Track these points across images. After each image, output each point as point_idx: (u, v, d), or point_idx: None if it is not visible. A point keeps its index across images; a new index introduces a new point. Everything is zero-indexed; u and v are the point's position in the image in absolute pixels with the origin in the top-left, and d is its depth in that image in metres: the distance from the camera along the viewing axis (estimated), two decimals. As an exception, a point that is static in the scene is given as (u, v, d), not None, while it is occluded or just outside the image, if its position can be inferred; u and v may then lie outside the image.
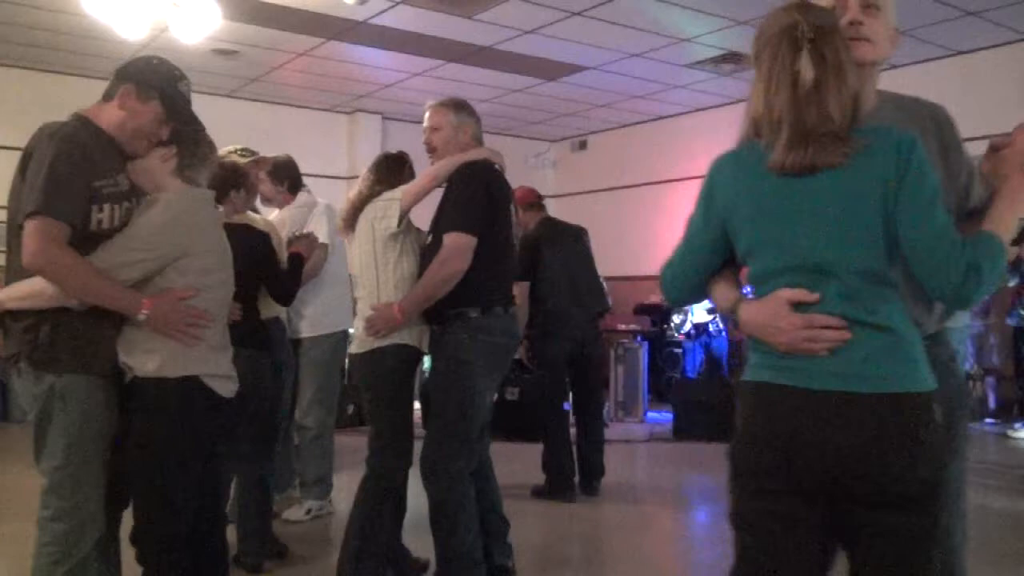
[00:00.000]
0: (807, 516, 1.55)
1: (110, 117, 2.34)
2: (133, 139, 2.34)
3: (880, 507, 1.50)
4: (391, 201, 3.04)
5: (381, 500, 3.03)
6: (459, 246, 2.84)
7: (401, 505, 3.18)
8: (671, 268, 1.81)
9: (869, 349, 1.51)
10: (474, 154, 3.03)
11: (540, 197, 5.16)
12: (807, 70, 1.54)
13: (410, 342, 3.02)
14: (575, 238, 5.09)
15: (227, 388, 2.36)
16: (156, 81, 2.35)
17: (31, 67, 7.72)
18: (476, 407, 2.92)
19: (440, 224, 2.94)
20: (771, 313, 1.58)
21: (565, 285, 4.81)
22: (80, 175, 2.21)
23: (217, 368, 2.34)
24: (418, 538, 3.31)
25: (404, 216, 3.03)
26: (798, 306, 1.55)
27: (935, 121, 1.79)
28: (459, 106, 3.11)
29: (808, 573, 1.58)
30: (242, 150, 3.56)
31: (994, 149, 1.72)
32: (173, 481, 2.28)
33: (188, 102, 2.43)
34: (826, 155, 1.53)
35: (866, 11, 1.75)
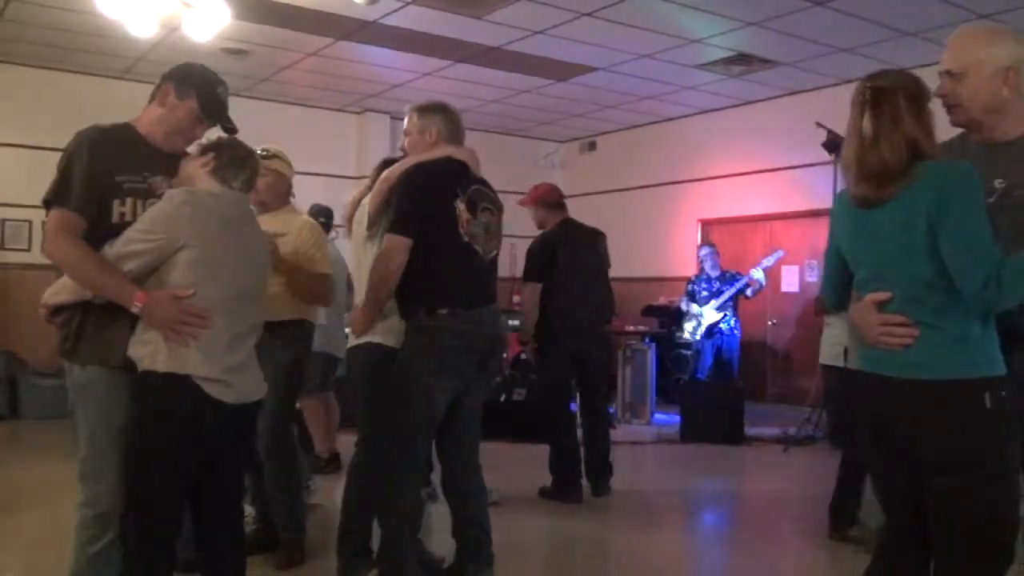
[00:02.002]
0: (895, 472, 2.04)
1: (150, 116, 2.49)
2: (170, 135, 2.47)
3: (935, 469, 1.91)
4: (365, 207, 3.14)
5: (362, 489, 3.12)
6: (389, 248, 2.90)
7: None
8: (823, 281, 2.29)
9: (927, 344, 1.92)
10: (435, 153, 3.04)
11: (562, 197, 5.08)
12: (867, 126, 1.97)
13: (382, 341, 3.09)
14: (593, 242, 5.04)
15: (225, 393, 2.30)
16: (194, 81, 2.48)
17: (44, 66, 7.73)
18: (414, 407, 2.90)
19: None
20: (861, 313, 2.04)
21: (576, 290, 4.78)
22: (96, 168, 2.31)
23: (211, 370, 2.28)
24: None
25: (373, 221, 3.07)
26: (883, 308, 1.99)
27: None
28: (424, 108, 3.15)
29: (903, 514, 2.05)
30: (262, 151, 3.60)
31: None
32: (147, 474, 2.27)
33: (224, 104, 2.53)
34: (881, 191, 1.95)
35: (951, 80, 2.14)
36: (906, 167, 1.92)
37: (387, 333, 3.09)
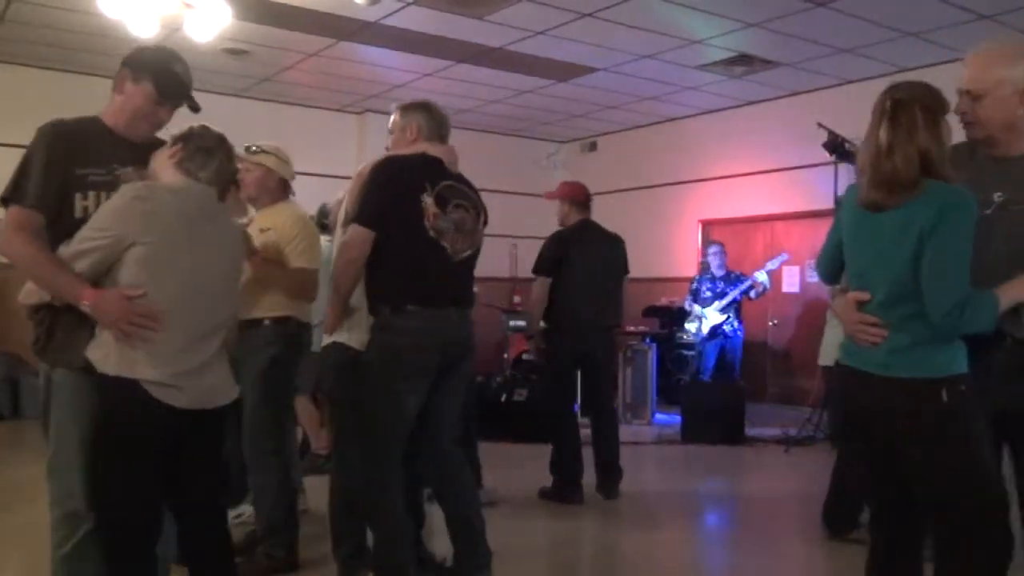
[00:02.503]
0: (871, 451, 2.24)
1: (112, 106, 2.42)
2: (132, 122, 2.41)
3: (905, 456, 2.12)
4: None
5: (344, 491, 3.09)
6: (352, 236, 2.87)
7: (418, 512, 3.24)
8: (819, 257, 2.40)
9: (895, 345, 2.09)
10: (409, 149, 3.04)
11: (588, 197, 5.08)
12: (883, 135, 2.07)
13: (347, 341, 3.04)
14: (610, 246, 5.03)
15: (177, 397, 2.19)
16: (148, 63, 2.40)
17: (45, 66, 7.76)
18: (379, 408, 2.87)
19: None
20: (843, 307, 2.21)
21: (584, 289, 4.78)
22: (54, 162, 2.27)
23: (160, 374, 2.17)
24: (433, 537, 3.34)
25: (350, 217, 3.01)
26: (862, 307, 2.15)
27: None
28: (406, 106, 3.16)
29: (882, 490, 2.25)
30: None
31: None
32: (105, 477, 2.21)
33: (182, 83, 2.44)
34: (890, 198, 2.06)
35: (970, 99, 2.22)
36: (916, 179, 2.02)
37: (351, 333, 3.05)
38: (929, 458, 2.08)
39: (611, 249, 5.03)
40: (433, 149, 3.04)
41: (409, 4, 6.05)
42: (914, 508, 2.20)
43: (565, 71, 7.70)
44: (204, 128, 2.38)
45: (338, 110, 9.36)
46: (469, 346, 3.08)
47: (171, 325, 2.20)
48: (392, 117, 3.18)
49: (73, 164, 2.30)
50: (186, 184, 2.30)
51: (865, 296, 2.14)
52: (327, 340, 3.12)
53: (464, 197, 3.02)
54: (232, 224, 2.50)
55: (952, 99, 2.20)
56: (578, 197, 5.01)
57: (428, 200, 2.89)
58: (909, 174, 2.03)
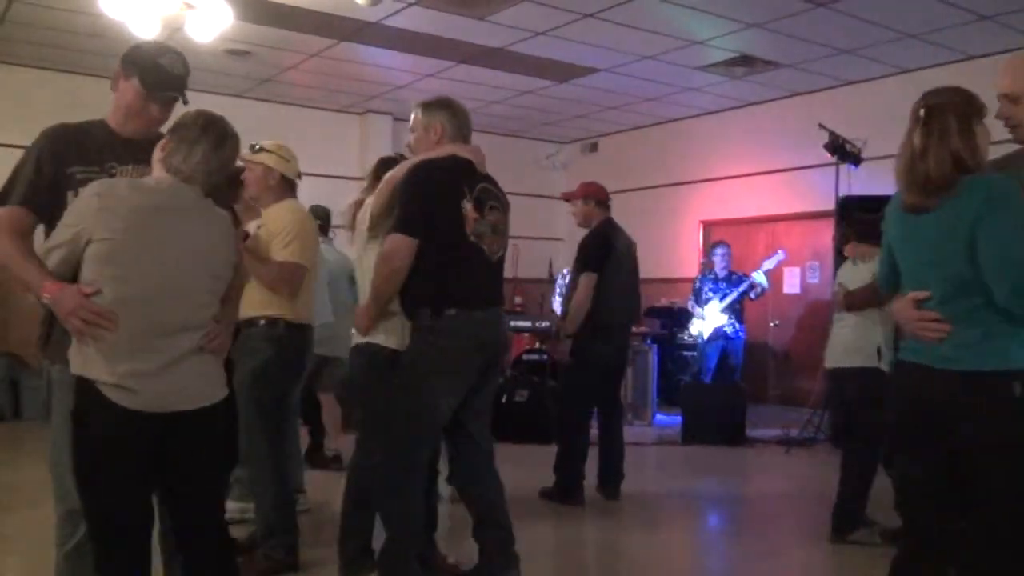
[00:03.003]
0: (930, 449, 2.19)
1: (112, 105, 2.44)
2: (128, 119, 2.42)
3: (971, 453, 2.09)
4: (368, 208, 3.13)
5: (362, 490, 3.11)
6: (394, 246, 2.87)
7: (431, 515, 3.25)
8: (879, 269, 2.48)
9: (960, 340, 2.10)
10: (438, 152, 3.01)
11: (608, 196, 5.08)
12: (917, 140, 2.13)
13: (383, 342, 3.07)
14: (631, 248, 5.10)
15: (131, 399, 2.09)
16: (137, 58, 2.41)
17: (47, 67, 7.77)
18: (417, 409, 2.89)
19: None
20: (902, 308, 2.25)
21: (619, 290, 4.80)
22: (46, 162, 2.31)
23: (111, 375, 2.08)
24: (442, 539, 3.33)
25: (376, 222, 3.04)
26: (921, 305, 2.18)
27: None
28: (428, 105, 3.11)
29: (929, 492, 2.22)
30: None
31: None
32: (84, 475, 2.17)
33: (169, 75, 2.40)
34: (927, 200, 2.13)
35: (1009, 103, 2.27)
36: (950, 180, 2.08)
37: (389, 334, 3.08)
38: (997, 452, 2.07)
39: (632, 249, 5.08)
40: (461, 150, 3.03)
41: (410, 5, 6.06)
42: (955, 509, 2.17)
43: (566, 72, 7.71)
44: (192, 116, 2.27)
45: (339, 111, 9.36)
46: (505, 344, 3.15)
47: (126, 324, 2.11)
48: (413, 115, 3.13)
49: (65, 163, 2.32)
50: (158, 179, 2.23)
51: (924, 294, 2.17)
52: (358, 340, 3.15)
53: (495, 198, 3.05)
54: (218, 219, 2.35)
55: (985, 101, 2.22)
56: (601, 197, 5.02)
57: (468, 206, 2.91)
58: (942, 175, 2.08)
